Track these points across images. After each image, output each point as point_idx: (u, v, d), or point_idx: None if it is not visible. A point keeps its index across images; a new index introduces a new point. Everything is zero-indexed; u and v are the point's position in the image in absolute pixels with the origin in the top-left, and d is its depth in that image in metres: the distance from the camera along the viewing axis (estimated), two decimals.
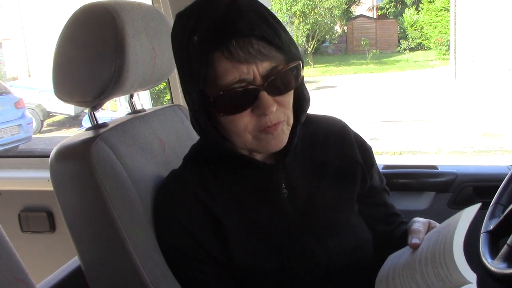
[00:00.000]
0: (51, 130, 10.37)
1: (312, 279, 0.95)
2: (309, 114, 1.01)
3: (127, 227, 0.90)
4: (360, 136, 1.12)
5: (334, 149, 1.06)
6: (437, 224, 0.95)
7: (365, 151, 1.10)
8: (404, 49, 18.26)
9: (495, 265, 1.00)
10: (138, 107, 1.21)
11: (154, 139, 1.10)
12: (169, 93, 1.76)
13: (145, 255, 0.91)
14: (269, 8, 0.90)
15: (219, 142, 0.91)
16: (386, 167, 1.73)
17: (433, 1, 16.85)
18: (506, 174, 1.22)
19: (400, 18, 19.54)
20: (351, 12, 21.22)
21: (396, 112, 9.22)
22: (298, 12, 16.22)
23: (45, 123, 10.34)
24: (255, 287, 0.94)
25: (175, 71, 1.60)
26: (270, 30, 0.83)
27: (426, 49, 17.93)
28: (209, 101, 0.85)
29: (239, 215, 0.95)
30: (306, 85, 0.97)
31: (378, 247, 1.05)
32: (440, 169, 1.68)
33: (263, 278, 0.93)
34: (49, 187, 0.95)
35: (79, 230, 0.95)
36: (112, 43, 0.93)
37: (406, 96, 10.64)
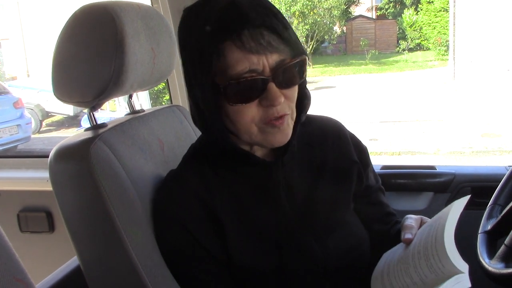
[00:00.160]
0: (50, 130, 10.36)
1: (310, 278, 0.96)
2: (306, 114, 1.02)
3: (126, 227, 0.90)
4: (356, 137, 1.13)
5: (331, 148, 1.07)
6: (429, 220, 0.97)
7: (361, 151, 1.11)
8: (403, 50, 18.26)
9: (492, 265, 1.01)
10: (137, 108, 1.21)
11: (153, 139, 1.10)
12: (168, 94, 1.77)
13: (144, 255, 0.91)
14: None
15: (224, 135, 0.91)
16: (384, 167, 1.73)
17: (432, 2, 16.86)
18: (504, 175, 1.22)
19: (399, 18, 19.54)
20: (350, 13, 21.20)
21: (395, 112, 9.22)
22: (297, 13, 16.21)
23: (44, 123, 10.32)
24: (255, 286, 0.94)
25: (174, 71, 1.62)
26: (280, 24, 0.85)
27: (425, 50, 17.94)
28: (219, 91, 0.86)
29: (239, 214, 0.95)
30: None
31: (375, 246, 1.07)
32: (438, 170, 1.69)
33: (262, 277, 0.94)
34: (48, 187, 0.95)
35: (78, 230, 0.95)
36: (112, 44, 0.93)
37: (405, 97, 10.64)
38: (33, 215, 1.94)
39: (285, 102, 0.89)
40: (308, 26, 16.63)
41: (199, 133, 1.26)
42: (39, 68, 11.67)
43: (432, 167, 1.71)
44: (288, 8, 16.14)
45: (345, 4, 19.30)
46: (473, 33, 10.55)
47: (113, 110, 7.43)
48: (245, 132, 0.90)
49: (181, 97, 1.70)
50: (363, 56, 17.73)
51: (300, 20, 16.38)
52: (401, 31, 19.32)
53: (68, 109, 9.65)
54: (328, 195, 1.03)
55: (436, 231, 0.85)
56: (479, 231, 1.12)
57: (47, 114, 10.22)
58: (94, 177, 0.89)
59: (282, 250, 0.95)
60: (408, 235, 0.93)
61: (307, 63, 0.92)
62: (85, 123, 7.01)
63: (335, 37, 19.38)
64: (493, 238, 1.10)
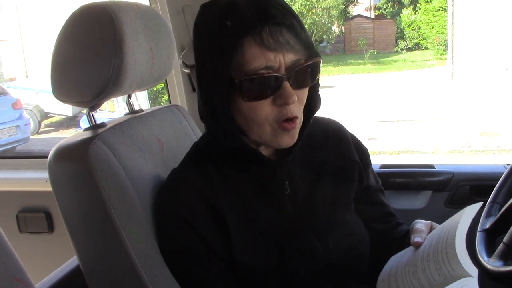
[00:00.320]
0: (48, 131, 10.34)
1: (311, 277, 0.96)
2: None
3: (126, 227, 0.90)
4: (356, 138, 1.14)
5: (332, 149, 1.08)
6: (439, 225, 0.97)
7: (362, 152, 1.12)
8: (402, 49, 18.26)
9: (491, 263, 1.01)
10: (136, 108, 1.21)
11: (152, 139, 1.10)
12: (166, 94, 1.77)
13: (143, 254, 0.91)
14: None
15: (235, 131, 0.91)
16: (383, 166, 1.73)
17: (431, 1, 16.88)
18: (503, 173, 1.22)
19: (398, 18, 19.56)
20: (348, 12, 21.22)
21: (393, 112, 9.23)
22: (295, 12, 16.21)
23: (42, 124, 10.31)
24: (256, 284, 0.95)
25: (173, 71, 1.62)
26: (298, 24, 0.87)
27: (423, 49, 17.96)
28: (234, 86, 0.86)
29: (241, 212, 0.96)
30: None
31: (375, 245, 1.07)
32: (437, 168, 1.69)
33: (263, 276, 0.94)
34: (47, 188, 0.95)
35: (77, 229, 0.95)
36: (110, 44, 0.93)
37: (404, 96, 10.66)
38: (32, 216, 1.94)
39: (296, 104, 0.89)
40: (306, 26, 16.54)
41: (198, 132, 1.27)
42: (38, 69, 11.67)
43: (431, 166, 1.71)
44: None
45: (343, 4, 19.32)
46: (471, 32, 10.56)
47: (112, 110, 7.42)
48: (257, 130, 0.91)
49: (180, 97, 1.70)
50: (361, 55, 17.74)
51: None
52: (399, 30, 19.33)
53: (67, 110, 9.64)
54: (328, 195, 1.03)
55: (447, 235, 0.85)
56: (478, 229, 1.12)
57: (45, 115, 10.21)
58: (93, 176, 0.89)
59: (283, 249, 0.95)
60: (417, 239, 0.93)
61: (320, 66, 0.93)
62: (84, 123, 6.99)
63: (334, 37, 19.40)
64: (492, 236, 1.10)
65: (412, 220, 1.02)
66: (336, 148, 1.08)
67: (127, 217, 0.91)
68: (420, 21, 17.59)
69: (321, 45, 19.62)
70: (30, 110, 9.31)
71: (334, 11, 17.58)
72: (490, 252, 1.05)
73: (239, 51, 0.84)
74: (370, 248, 1.06)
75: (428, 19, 16.94)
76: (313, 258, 0.97)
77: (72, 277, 1.11)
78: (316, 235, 0.98)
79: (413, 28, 18.08)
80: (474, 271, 0.80)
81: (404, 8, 19.48)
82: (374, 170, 1.18)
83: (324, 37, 18.66)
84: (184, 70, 1.60)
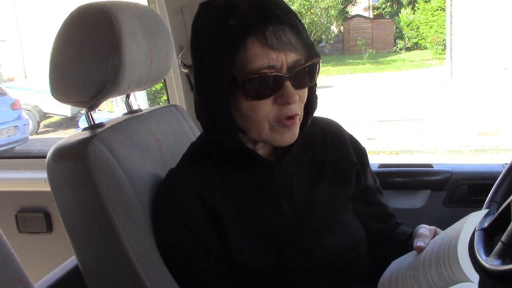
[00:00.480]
0: (47, 131, 10.33)
1: (309, 277, 0.96)
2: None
3: (124, 226, 0.90)
4: (355, 138, 1.14)
5: (330, 149, 1.08)
6: (442, 231, 0.97)
7: (360, 152, 1.12)
8: (401, 49, 18.26)
9: (489, 262, 1.01)
10: (135, 107, 1.21)
11: (151, 139, 1.10)
12: (165, 94, 1.77)
13: (142, 254, 0.92)
14: None
15: (233, 130, 0.91)
16: (381, 166, 1.73)
17: (429, 1, 16.87)
18: (501, 172, 1.22)
19: (396, 17, 19.54)
20: (347, 12, 21.21)
21: (392, 111, 9.23)
22: None
23: (41, 124, 10.30)
24: (254, 283, 0.95)
25: (172, 71, 1.62)
26: (300, 24, 0.87)
27: (422, 49, 17.94)
28: (237, 85, 0.86)
29: (239, 212, 0.96)
30: None
31: (373, 246, 1.07)
32: (435, 168, 1.69)
33: (261, 276, 0.94)
34: (46, 188, 0.95)
35: (76, 229, 0.95)
36: (109, 44, 0.93)
37: (403, 96, 10.66)
38: (31, 216, 1.94)
39: (297, 103, 0.90)
40: (305, 26, 16.63)
41: (197, 132, 1.27)
42: (37, 69, 11.65)
43: (429, 165, 1.71)
44: None
45: (342, 3, 19.31)
46: (470, 32, 10.56)
47: (111, 110, 7.41)
48: (256, 129, 0.90)
49: (178, 97, 1.70)
50: (360, 55, 17.73)
51: None
52: (398, 30, 19.32)
53: (66, 110, 9.63)
54: (327, 195, 1.03)
55: (450, 240, 0.85)
56: (476, 229, 1.12)
57: (44, 115, 10.20)
58: (92, 176, 0.89)
59: (281, 249, 0.95)
60: (420, 243, 0.93)
61: (319, 67, 0.93)
62: (83, 124, 6.98)
63: (333, 37, 19.38)
64: (490, 235, 1.11)
65: (411, 219, 1.02)
66: (334, 148, 1.08)
67: (126, 217, 0.91)
68: (419, 20, 17.58)
69: (319, 45, 19.60)
70: (29, 110, 9.30)
71: (333, 11, 17.58)
72: (488, 251, 1.06)
73: (241, 50, 0.84)
74: (368, 249, 1.06)
75: (427, 19, 16.93)
76: (311, 259, 0.97)
77: (71, 276, 1.11)
78: (314, 235, 0.98)
79: (412, 27, 18.07)
80: (475, 276, 0.80)
81: (403, 8, 19.46)
82: (373, 169, 1.18)
83: (323, 37, 18.64)
84: (183, 70, 1.60)
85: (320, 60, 0.92)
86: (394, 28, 19.51)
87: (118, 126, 1.04)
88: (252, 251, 0.95)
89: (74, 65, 0.96)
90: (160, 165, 1.08)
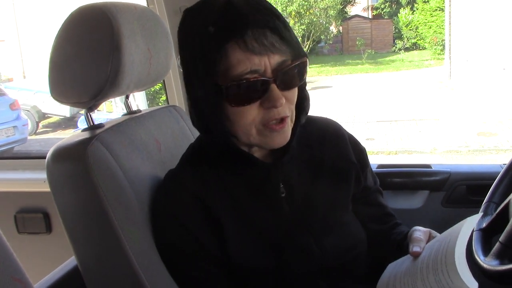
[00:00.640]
0: (46, 132, 10.32)
1: (308, 277, 0.96)
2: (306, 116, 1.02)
3: (124, 226, 0.91)
4: (354, 137, 1.14)
5: (330, 149, 1.07)
6: (437, 234, 0.97)
7: (359, 152, 1.12)
8: (399, 49, 18.25)
9: (487, 262, 1.01)
10: (134, 108, 1.22)
11: (150, 140, 1.11)
12: (164, 94, 1.77)
13: (141, 254, 0.92)
14: None
15: (225, 135, 0.91)
16: (380, 166, 1.74)
17: (428, 1, 16.87)
18: (499, 173, 1.23)
19: (395, 18, 19.54)
20: (346, 12, 21.20)
21: (391, 112, 9.24)
22: (293, 13, 16.19)
23: (40, 125, 10.28)
24: (253, 284, 0.95)
25: (171, 72, 1.62)
26: (282, 25, 0.86)
27: (421, 49, 17.94)
28: (220, 92, 0.86)
29: (237, 214, 0.96)
30: None
31: (373, 246, 1.07)
32: (433, 168, 1.70)
33: (260, 276, 0.94)
34: (45, 188, 0.96)
35: (75, 230, 0.95)
36: (108, 44, 0.94)
37: (402, 96, 10.66)
38: (30, 216, 1.94)
39: (285, 104, 0.89)
40: (304, 26, 16.62)
41: (196, 133, 1.27)
42: (36, 69, 11.64)
43: (428, 166, 1.72)
44: (284, 8, 16.12)
45: (341, 4, 19.31)
46: (469, 32, 10.57)
47: (110, 111, 7.41)
48: (244, 133, 0.90)
49: (177, 98, 1.70)
50: (359, 55, 17.73)
51: (296, 20, 16.37)
52: (397, 30, 19.32)
53: (65, 111, 9.61)
54: (326, 196, 1.03)
55: (447, 246, 0.85)
56: (474, 229, 1.12)
57: (43, 116, 10.19)
58: (91, 177, 0.89)
59: (280, 250, 0.96)
60: (416, 248, 0.92)
61: (308, 66, 0.92)
62: (82, 124, 6.99)
63: (332, 37, 19.36)
64: (488, 236, 1.11)
65: (410, 220, 1.02)
66: (333, 148, 1.08)
67: (125, 217, 0.92)
68: (418, 21, 17.57)
69: (319, 45, 19.62)
70: (28, 110, 9.29)
71: (332, 11, 17.56)
72: (486, 251, 1.06)
73: (223, 57, 0.84)
74: (368, 249, 1.06)
75: (426, 19, 16.93)
76: (310, 259, 0.97)
77: (70, 277, 1.11)
78: (313, 236, 0.98)
79: (411, 28, 18.07)
80: (473, 284, 0.80)
81: (402, 8, 19.46)
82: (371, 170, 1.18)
83: (322, 37, 18.64)
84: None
85: (308, 59, 0.92)
86: (393, 29, 19.51)
87: (117, 127, 1.04)
88: (251, 251, 0.95)
89: (74, 66, 0.96)
90: (159, 165, 1.08)
